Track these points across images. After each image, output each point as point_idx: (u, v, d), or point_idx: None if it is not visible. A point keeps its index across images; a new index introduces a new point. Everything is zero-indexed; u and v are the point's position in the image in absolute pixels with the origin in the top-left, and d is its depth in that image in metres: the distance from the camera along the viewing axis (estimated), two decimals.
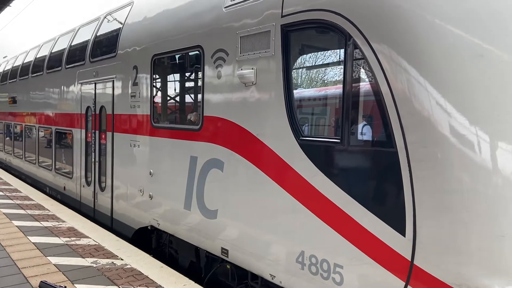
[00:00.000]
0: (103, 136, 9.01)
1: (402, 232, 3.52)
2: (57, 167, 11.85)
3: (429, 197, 3.38)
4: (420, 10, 3.53)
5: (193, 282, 5.59)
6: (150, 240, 7.64)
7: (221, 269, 5.93)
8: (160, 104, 7.50)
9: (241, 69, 5.16)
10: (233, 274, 5.67)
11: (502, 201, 3.15)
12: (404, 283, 3.53)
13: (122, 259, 6.42)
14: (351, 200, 3.96)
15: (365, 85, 3.92)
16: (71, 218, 8.98)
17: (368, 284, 3.84)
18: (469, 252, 3.21)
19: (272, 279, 4.88)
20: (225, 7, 5.51)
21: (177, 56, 6.94)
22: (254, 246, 5.12)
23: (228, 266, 5.71)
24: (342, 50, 4.06)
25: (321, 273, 4.26)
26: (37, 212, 9.49)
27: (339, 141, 4.10)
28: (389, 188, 3.68)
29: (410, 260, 3.47)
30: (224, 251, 5.58)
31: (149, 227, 7.40)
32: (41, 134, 13.39)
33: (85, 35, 10.27)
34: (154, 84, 7.23)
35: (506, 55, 3.24)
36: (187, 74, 7.19)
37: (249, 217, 5.16)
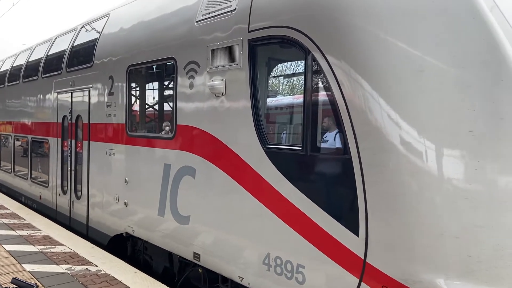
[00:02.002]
0: (79, 144, 9.11)
1: (356, 232, 3.80)
2: (33, 176, 11.82)
3: (379, 200, 3.67)
4: (371, 26, 3.84)
5: (165, 286, 5.76)
6: (125, 247, 7.76)
7: (193, 273, 6.11)
8: (135, 114, 7.67)
9: (212, 80, 5.41)
10: (205, 278, 5.86)
11: (442, 202, 3.46)
12: (358, 280, 3.80)
13: (96, 266, 6.54)
14: (312, 203, 4.23)
15: (322, 96, 4.22)
16: (46, 227, 9.02)
17: (327, 282, 4.10)
18: (413, 249, 3.50)
19: (241, 281, 5.09)
20: (197, 21, 5.76)
21: (151, 67, 7.15)
22: (224, 250, 5.33)
23: (200, 270, 5.90)
24: (303, 64, 4.36)
25: (285, 273, 4.50)
26: (12, 221, 9.49)
27: (300, 148, 4.38)
28: (345, 192, 3.96)
29: (363, 258, 3.75)
30: (196, 256, 5.77)
31: (124, 234, 7.53)
32: (17, 143, 13.33)
33: (62, 45, 10.38)
34: (129, 94, 7.42)
35: (443, 70, 3.57)
36: (161, 85, 7.41)
37: (220, 222, 5.38)
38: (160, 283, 5.95)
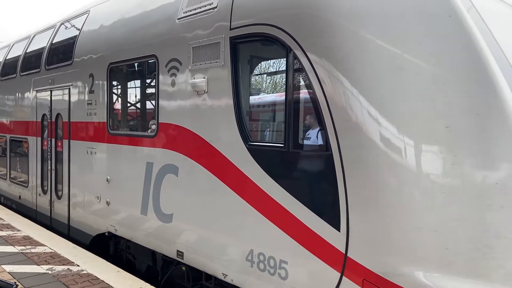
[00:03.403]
0: (59, 143, 8.98)
1: (337, 227, 3.85)
2: (12, 176, 11.60)
3: (359, 195, 3.73)
4: (351, 24, 3.90)
5: (148, 285, 5.74)
6: (108, 246, 7.69)
7: (176, 271, 6.10)
8: (116, 112, 7.60)
9: (194, 78, 5.40)
10: (188, 276, 5.86)
11: (420, 197, 3.54)
12: (339, 274, 3.86)
13: (78, 265, 6.48)
14: (294, 200, 4.27)
15: (304, 93, 4.26)
16: (26, 227, 8.88)
17: (309, 277, 4.15)
18: (392, 243, 3.58)
19: (224, 277, 5.11)
20: (178, 19, 5.74)
21: (132, 65, 7.10)
22: (207, 247, 5.34)
23: (184, 268, 5.89)
24: (285, 61, 4.39)
25: (268, 269, 4.54)
26: None
27: (282, 145, 4.41)
28: (326, 187, 4.01)
29: (344, 252, 3.81)
30: (180, 254, 5.76)
31: (106, 234, 7.46)
32: None
33: (41, 42, 10.20)
34: (111, 92, 7.34)
35: (421, 67, 3.65)
36: (143, 82, 7.36)
37: (203, 220, 5.38)
38: (143, 281, 5.92)
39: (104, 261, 6.83)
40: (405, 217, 3.55)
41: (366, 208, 3.69)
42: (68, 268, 6.35)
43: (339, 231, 3.84)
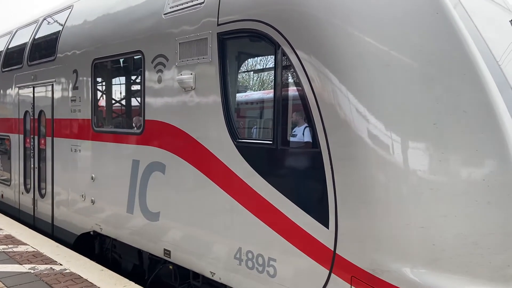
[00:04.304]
0: (42, 141, 8.81)
1: (326, 225, 3.85)
2: None
3: (348, 192, 3.73)
4: (339, 21, 3.89)
5: (133, 283, 5.67)
6: (93, 246, 7.57)
7: (164, 270, 6.03)
8: (101, 109, 7.48)
9: (181, 74, 5.33)
10: (176, 274, 5.80)
11: (408, 193, 3.55)
12: (328, 271, 3.86)
13: (61, 264, 6.36)
14: (283, 197, 4.25)
15: (293, 90, 4.23)
16: (8, 226, 8.70)
17: (298, 274, 4.14)
18: (381, 240, 3.58)
19: (212, 276, 5.07)
20: (165, 14, 5.66)
21: (117, 61, 6.98)
22: (195, 245, 5.29)
23: (171, 267, 5.83)
24: (273, 58, 4.36)
25: (256, 267, 4.51)
26: None
27: (271, 142, 4.39)
28: (315, 185, 3.99)
29: (333, 250, 3.81)
30: (167, 252, 5.70)
31: (91, 233, 7.34)
32: None
33: (23, 38, 9.98)
34: (95, 88, 7.22)
35: (409, 64, 3.66)
36: (128, 79, 7.25)
37: (190, 218, 5.33)
38: (127, 280, 5.85)
39: (88, 260, 6.72)
40: (393, 214, 3.55)
41: (355, 205, 3.69)
42: (51, 267, 6.23)
43: (328, 228, 3.83)
